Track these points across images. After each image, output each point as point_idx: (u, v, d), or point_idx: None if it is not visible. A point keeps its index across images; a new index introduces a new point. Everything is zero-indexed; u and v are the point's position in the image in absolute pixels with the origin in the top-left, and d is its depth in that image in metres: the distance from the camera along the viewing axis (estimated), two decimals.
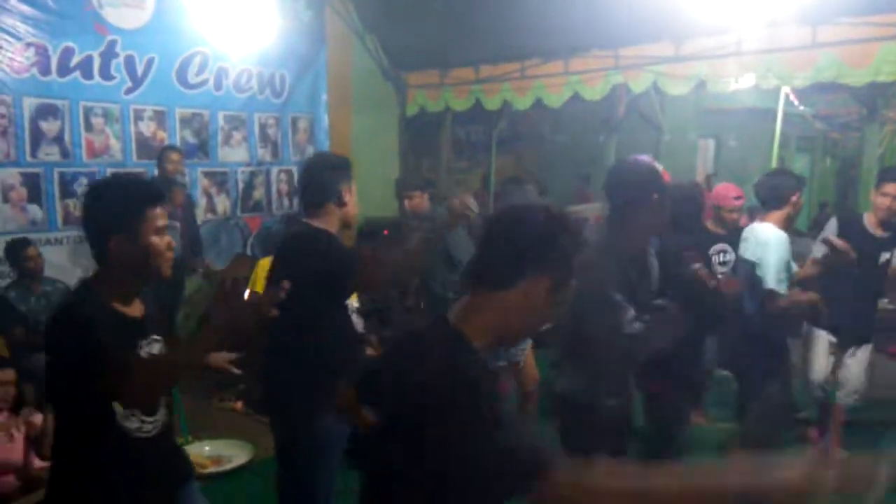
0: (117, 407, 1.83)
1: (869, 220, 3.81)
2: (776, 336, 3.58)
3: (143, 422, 1.90)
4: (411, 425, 1.24)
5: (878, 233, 3.78)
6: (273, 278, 2.79)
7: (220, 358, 2.43)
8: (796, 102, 6.86)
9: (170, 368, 1.87)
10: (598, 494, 1.22)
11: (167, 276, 1.94)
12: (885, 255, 3.83)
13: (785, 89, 6.00)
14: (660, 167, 2.56)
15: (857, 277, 3.70)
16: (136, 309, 1.94)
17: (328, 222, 2.63)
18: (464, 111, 7.35)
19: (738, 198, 4.46)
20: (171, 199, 5.22)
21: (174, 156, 5.17)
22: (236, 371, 2.48)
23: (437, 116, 7.67)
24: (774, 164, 6.38)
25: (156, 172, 5.23)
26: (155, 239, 1.85)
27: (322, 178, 2.66)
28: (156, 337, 1.97)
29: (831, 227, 3.86)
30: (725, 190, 4.73)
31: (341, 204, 2.63)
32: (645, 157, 2.62)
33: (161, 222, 1.88)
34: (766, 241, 3.45)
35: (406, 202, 4.50)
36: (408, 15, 6.44)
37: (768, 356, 3.52)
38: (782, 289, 3.39)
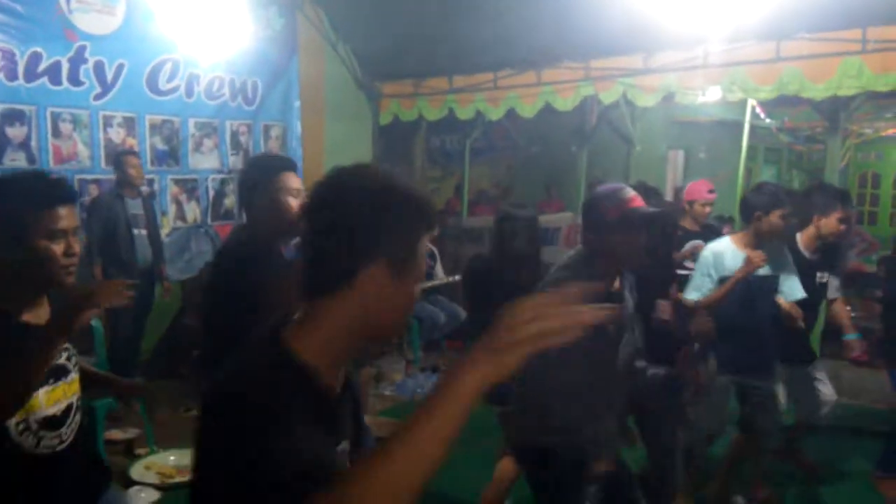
0: (9, 422, 1.68)
1: (802, 242, 3.77)
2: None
3: (39, 437, 1.75)
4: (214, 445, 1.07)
5: (809, 255, 3.76)
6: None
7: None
8: (762, 115, 7.01)
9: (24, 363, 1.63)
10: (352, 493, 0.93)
11: (67, 285, 1.75)
12: (820, 276, 3.85)
13: (751, 102, 6.12)
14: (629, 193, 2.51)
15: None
16: (43, 314, 1.78)
17: (269, 227, 2.45)
18: (438, 121, 7.40)
19: (711, 191, 4.61)
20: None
21: (135, 160, 5.07)
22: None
23: (411, 125, 7.70)
24: (741, 176, 6.50)
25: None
26: (43, 243, 1.68)
27: (249, 183, 2.51)
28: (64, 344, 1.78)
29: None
30: (699, 185, 4.85)
31: (272, 208, 2.43)
32: (621, 186, 2.60)
33: (58, 225, 1.69)
34: (703, 254, 3.57)
35: None
36: (381, 24, 6.48)
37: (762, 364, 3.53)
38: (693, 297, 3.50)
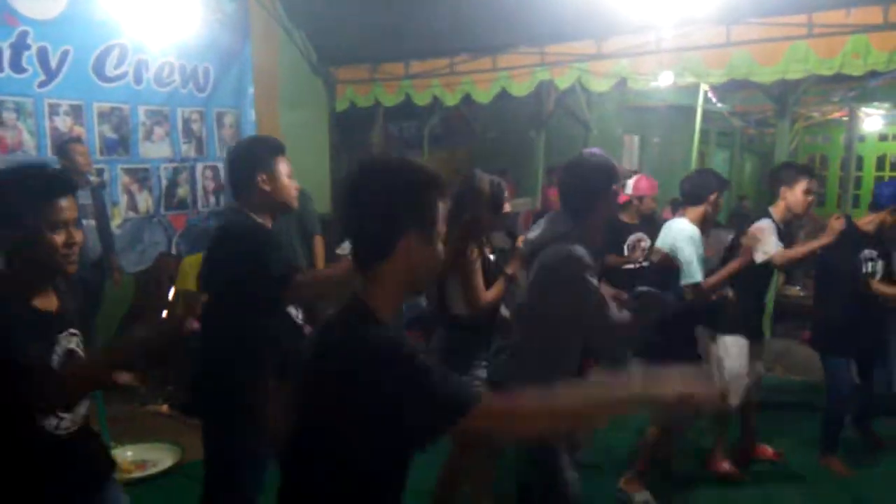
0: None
1: (777, 215, 3.86)
2: (688, 326, 3.69)
3: (60, 418, 1.85)
4: (338, 401, 1.33)
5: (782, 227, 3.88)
6: (200, 276, 2.77)
7: (123, 378, 2.19)
8: (714, 100, 7.13)
9: (81, 380, 1.80)
10: (514, 417, 1.37)
11: (71, 273, 1.88)
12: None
13: (704, 87, 6.23)
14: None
15: (761, 275, 3.85)
16: (51, 302, 1.89)
17: (260, 210, 2.55)
18: (396, 108, 7.35)
19: (657, 187, 4.74)
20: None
21: (81, 148, 4.94)
22: (140, 384, 2.34)
23: (369, 113, 7.64)
24: (695, 159, 6.62)
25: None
26: (45, 234, 1.77)
27: (237, 166, 2.58)
28: (73, 331, 1.92)
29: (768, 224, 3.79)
30: (648, 181, 4.97)
31: (262, 191, 2.52)
32: (597, 150, 2.70)
33: (59, 217, 1.79)
34: (689, 236, 3.54)
35: None
36: (335, 9, 6.38)
37: (681, 345, 3.60)
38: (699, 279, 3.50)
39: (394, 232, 1.39)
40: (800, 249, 3.86)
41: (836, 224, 3.69)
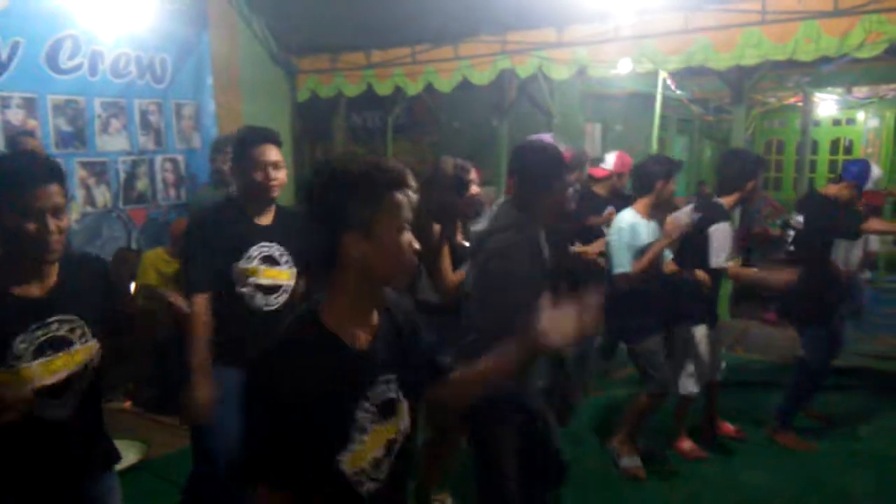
0: None
1: (730, 205, 3.91)
2: (657, 310, 3.78)
3: (45, 404, 1.83)
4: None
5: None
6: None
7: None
8: (673, 87, 7.20)
9: None
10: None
11: (50, 261, 1.85)
12: None
13: (663, 74, 6.29)
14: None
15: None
16: (39, 288, 1.85)
17: (247, 200, 2.65)
18: (359, 98, 7.30)
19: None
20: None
21: (33, 140, 4.82)
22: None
23: (331, 103, 7.58)
24: (655, 146, 6.68)
25: None
26: (21, 223, 1.74)
27: (233, 154, 2.72)
28: (64, 317, 1.86)
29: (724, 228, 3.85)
30: (629, 158, 5.07)
31: (238, 180, 2.64)
32: (547, 137, 2.72)
33: (30, 204, 1.75)
34: (619, 227, 3.65)
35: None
36: None
37: (651, 327, 3.72)
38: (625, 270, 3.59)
39: (331, 234, 1.33)
40: (753, 276, 4.11)
41: (791, 278, 3.73)
